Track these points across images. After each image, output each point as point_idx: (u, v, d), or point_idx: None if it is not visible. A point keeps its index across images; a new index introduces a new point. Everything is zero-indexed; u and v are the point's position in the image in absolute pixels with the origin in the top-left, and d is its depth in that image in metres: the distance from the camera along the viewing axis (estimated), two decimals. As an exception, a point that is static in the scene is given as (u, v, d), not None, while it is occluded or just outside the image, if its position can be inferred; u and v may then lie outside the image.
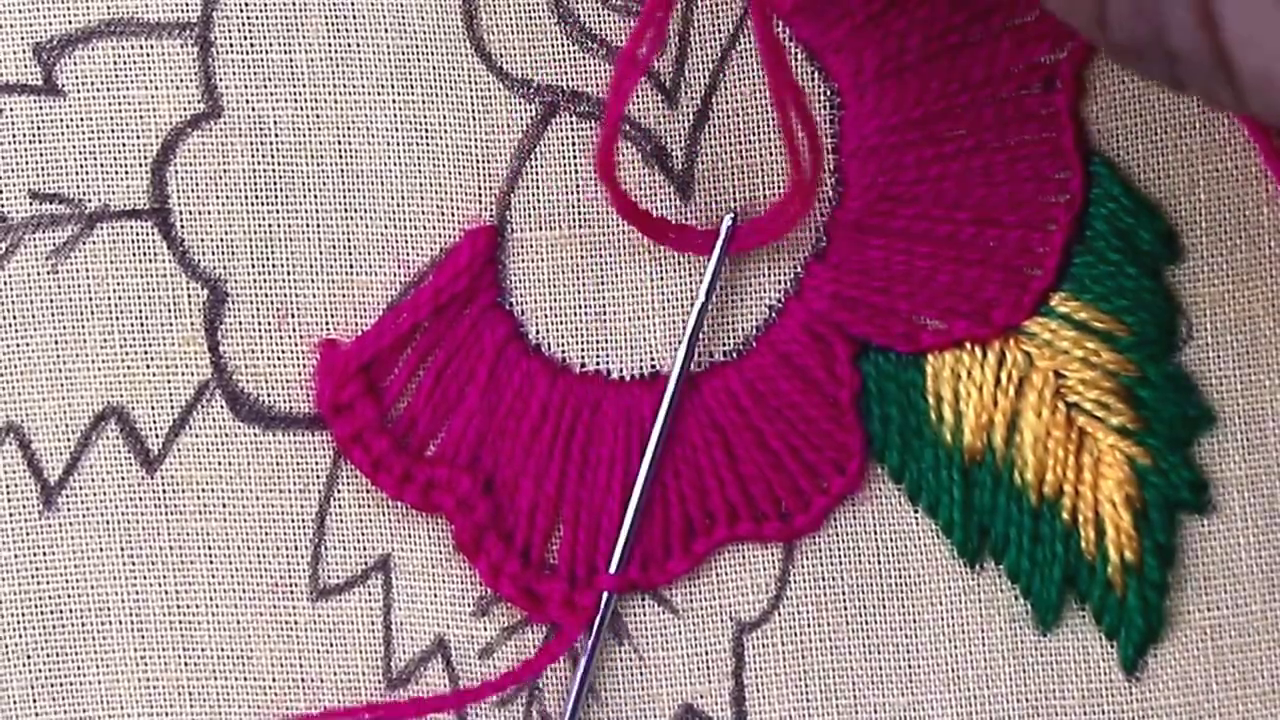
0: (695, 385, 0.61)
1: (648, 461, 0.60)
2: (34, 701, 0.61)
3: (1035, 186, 0.60)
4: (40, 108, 0.60)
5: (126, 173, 0.60)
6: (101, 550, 0.61)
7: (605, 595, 0.60)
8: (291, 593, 0.61)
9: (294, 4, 0.59)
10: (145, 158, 0.60)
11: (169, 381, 0.60)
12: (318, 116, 0.60)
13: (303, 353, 0.60)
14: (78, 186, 0.60)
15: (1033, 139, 0.60)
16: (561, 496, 0.61)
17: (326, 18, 0.60)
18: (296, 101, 0.60)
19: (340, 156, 0.60)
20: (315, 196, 0.60)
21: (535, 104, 0.60)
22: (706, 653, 0.61)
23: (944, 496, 0.61)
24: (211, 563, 0.61)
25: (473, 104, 0.60)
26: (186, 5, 0.60)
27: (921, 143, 0.60)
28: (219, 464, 0.61)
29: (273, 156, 0.60)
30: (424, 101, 0.60)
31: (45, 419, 0.60)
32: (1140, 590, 0.60)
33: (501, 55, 0.60)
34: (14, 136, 0.60)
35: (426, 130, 0.60)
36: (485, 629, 0.61)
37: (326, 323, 0.60)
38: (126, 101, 0.60)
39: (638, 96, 0.60)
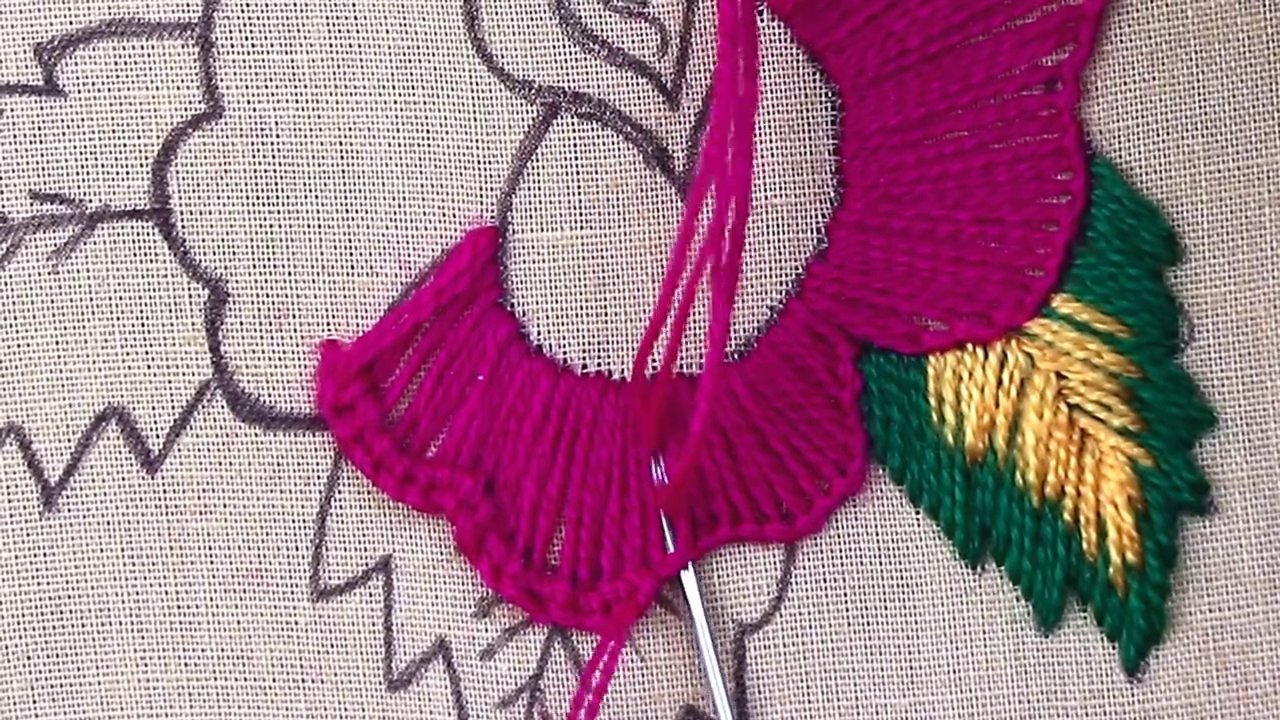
0: (696, 386, 0.61)
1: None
2: (34, 702, 0.61)
3: (1037, 187, 0.60)
4: (41, 108, 0.60)
5: (127, 173, 0.60)
6: (102, 550, 0.61)
7: (688, 573, 0.60)
8: (292, 593, 0.61)
9: (295, 4, 0.59)
10: (146, 158, 0.60)
11: (170, 382, 0.60)
12: (319, 117, 0.60)
13: (304, 353, 0.60)
14: (78, 187, 0.60)
15: (1034, 140, 0.60)
16: (563, 497, 0.61)
17: (327, 18, 0.59)
18: (297, 102, 0.60)
19: (341, 157, 0.60)
20: (316, 197, 0.60)
21: (536, 105, 0.60)
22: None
23: (945, 498, 0.61)
24: (212, 563, 0.61)
25: (474, 104, 0.60)
26: (187, 5, 0.59)
27: (923, 143, 0.60)
28: (220, 464, 0.61)
29: (274, 157, 0.60)
30: (425, 102, 0.60)
31: (46, 419, 0.60)
32: (1142, 591, 0.60)
33: (503, 56, 0.60)
34: (15, 136, 0.60)
35: (427, 131, 0.60)
36: (487, 630, 0.61)
37: (328, 323, 0.60)
38: (127, 101, 0.60)
39: (639, 97, 0.60)
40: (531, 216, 0.60)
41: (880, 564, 0.61)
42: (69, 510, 0.61)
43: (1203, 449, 0.61)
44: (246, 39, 0.60)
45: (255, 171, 0.60)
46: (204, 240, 0.60)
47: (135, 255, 0.60)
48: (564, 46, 0.60)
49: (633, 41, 0.60)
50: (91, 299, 0.60)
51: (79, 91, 0.60)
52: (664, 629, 0.61)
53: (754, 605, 0.61)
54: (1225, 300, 0.60)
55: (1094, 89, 0.60)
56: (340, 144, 0.60)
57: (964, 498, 0.60)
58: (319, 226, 0.60)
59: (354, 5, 0.59)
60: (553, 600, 0.61)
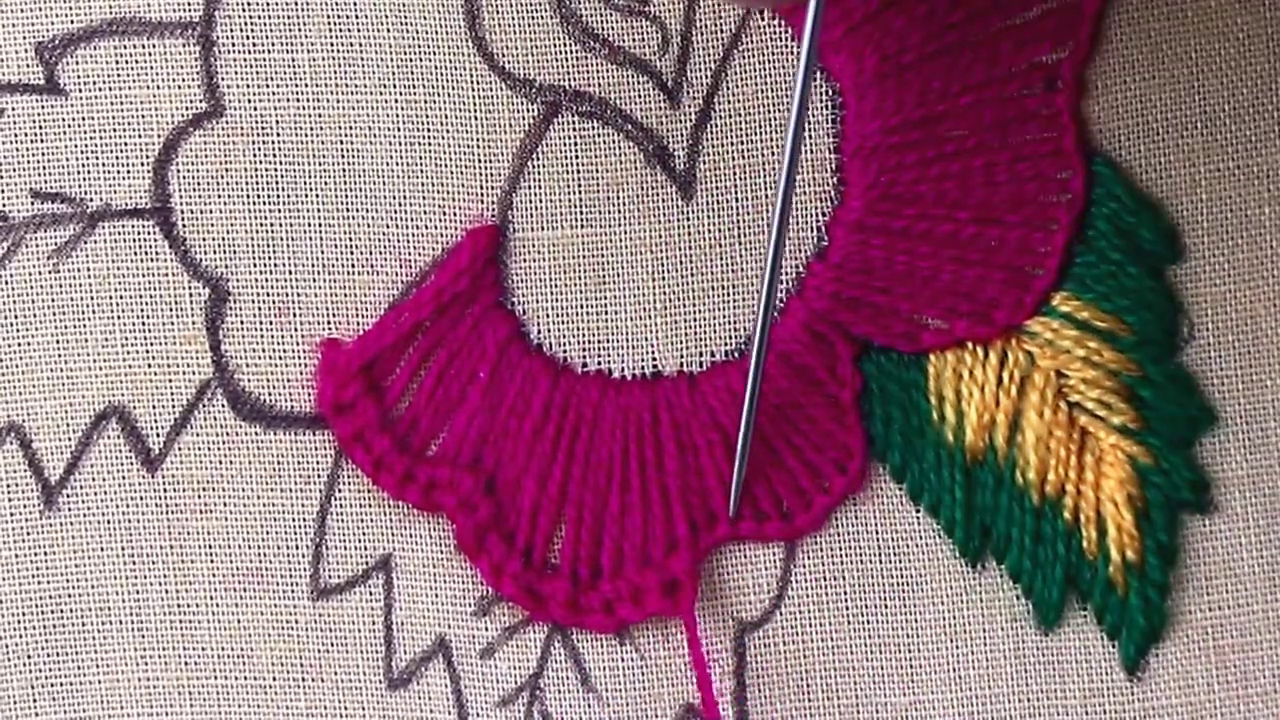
0: (696, 384, 0.61)
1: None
2: (34, 701, 0.61)
3: (1037, 186, 0.60)
4: (42, 107, 0.60)
5: (128, 172, 0.60)
6: (102, 550, 0.61)
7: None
8: (292, 592, 0.61)
9: (296, 3, 0.60)
10: (147, 157, 0.60)
11: (170, 380, 0.60)
12: (320, 115, 0.60)
13: (304, 352, 0.60)
14: (79, 185, 0.60)
15: (1034, 139, 0.60)
16: (564, 496, 0.61)
17: (328, 17, 0.60)
18: (298, 100, 0.60)
19: (342, 155, 0.60)
20: (317, 195, 0.60)
21: (537, 103, 0.60)
22: (708, 652, 0.61)
23: (946, 496, 0.61)
24: (212, 562, 0.61)
25: (475, 103, 0.60)
26: (188, 4, 0.60)
27: (923, 143, 0.60)
28: (220, 463, 0.61)
29: (274, 155, 0.60)
30: (426, 101, 0.60)
31: (46, 418, 0.60)
32: (1142, 590, 0.60)
33: (503, 55, 0.60)
34: (16, 135, 0.60)
35: (428, 129, 0.60)
36: (487, 629, 0.61)
37: (328, 322, 0.60)
38: (128, 100, 0.60)
39: (639, 95, 0.60)
40: (532, 215, 0.60)
41: (880, 562, 0.61)
42: (69, 509, 0.61)
43: (1203, 447, 0.61)
44: (248, 38, 0.60)
45: (256, 170, 0.60)
46: (205, 239, 0.60)
47: (136, 254, 0.60)
48: (565, 45, 0.60)
49: (634, 40, 0.60)
50: (92, 298, 0.60)
51: (80, 90, 0.60)
52: (663, 628, 0.61)
53: (754, 604, 0.61)
54: (1225, 298, 0.60)
55: (1093, 87, 0.60)
56: (341, 143, 0.60)
57: (964, 496, 0.60)
58: (320, 225, 0.60)
59: (355, 4, 0.59)
60: (553, 599, 0.61)
